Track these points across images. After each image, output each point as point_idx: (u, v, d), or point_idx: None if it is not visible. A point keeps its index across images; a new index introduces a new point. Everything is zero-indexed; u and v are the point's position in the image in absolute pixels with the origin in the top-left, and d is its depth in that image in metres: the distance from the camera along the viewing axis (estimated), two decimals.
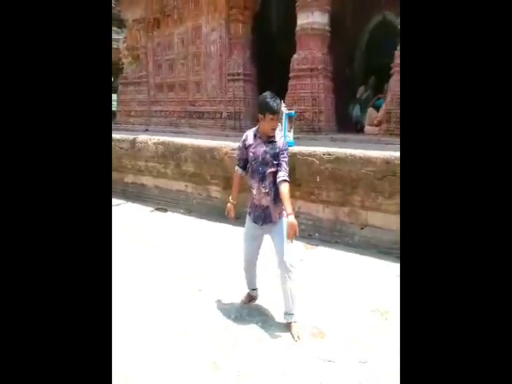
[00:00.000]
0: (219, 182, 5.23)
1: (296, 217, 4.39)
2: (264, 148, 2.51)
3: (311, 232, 4.43)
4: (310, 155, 4.26)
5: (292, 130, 4.75)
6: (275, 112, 2.44)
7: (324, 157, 4.18)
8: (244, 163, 2.64)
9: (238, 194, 2.79)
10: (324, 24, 5.29)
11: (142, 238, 4.43)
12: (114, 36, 12.83)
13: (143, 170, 6.20)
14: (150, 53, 7.53)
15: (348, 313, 2.81)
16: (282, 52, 6.10)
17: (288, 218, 2.35)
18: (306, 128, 5.38)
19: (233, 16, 6.11)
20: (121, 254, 3.78)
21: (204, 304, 2.93)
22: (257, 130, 2.58)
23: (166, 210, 5.63)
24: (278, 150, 2.50)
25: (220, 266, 3.62)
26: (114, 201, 6.18)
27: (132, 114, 7.92)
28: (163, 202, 5.93)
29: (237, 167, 2.70)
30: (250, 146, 2.56)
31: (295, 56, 5.47)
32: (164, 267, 3.60)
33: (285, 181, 2.45)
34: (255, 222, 2.61)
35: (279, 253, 2.53)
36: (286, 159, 2.51)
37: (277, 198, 2.51)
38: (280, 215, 2.58)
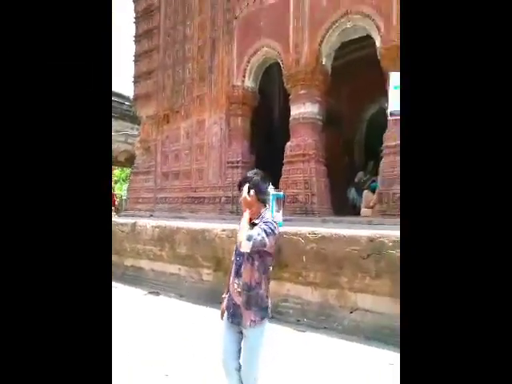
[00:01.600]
0: (210, 264, 5.18)
1: (284, 301, 4.34)
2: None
3: (299, 317, 4.21)
4: (295, 234, 4.24)
5: (281, 212, 4.80)
6: (238, 188, 2.28)
7: (309, 236, 4.15)
8: None
9: None
10: (315, 113, 5.64)
11: (124, 321, 4.30)
12: (134, 132, 13.98)
13: (141, 253, 6.25)
14: (159, 144, 8.09)
15: None
16: (279, 141, 6.46)
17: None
18: (299, 210, 5.43)
19: (232, 111, 6.62)
20: None
21: None
22: None
23: (158, 294, 5.53)
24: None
25: (192, 352, 3.41)
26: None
27: (140, 200, 8.25)
28: (157, 285, 5.85)
29: None
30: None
31: (288, 143, 5.76)
32: (132, 350, 3.43)
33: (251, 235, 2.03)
34: (227, 317, 2.20)
35: (243, 370, 2.15)
36: (262, 226, 2.05)
37: (250, 303, 2.11)
38: (251, 323, 2.10)
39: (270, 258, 2.18)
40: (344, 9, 5.14)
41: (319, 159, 5.58)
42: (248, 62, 6.41)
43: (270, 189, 4.79)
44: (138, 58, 9.22)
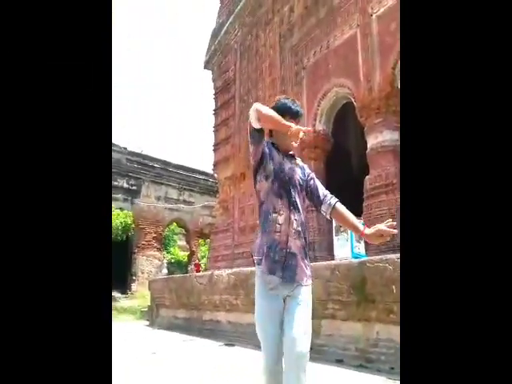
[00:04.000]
0: None
1: (374, 346, 3.62)
2: (289, 164, 1.78)
3: (394, 364, 3.42)
4: (380, 261, 3.65)
5: (362, 242, 4.26)
6: (296, 115, 1.79)
7: (397, 260, 3.53)
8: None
9: None
10: (394, 140, 5.18)
11: (189, 371, 3.89)
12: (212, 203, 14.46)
13: (218, 304, 5.94)
14: (236, 202, 8.16)
15: None
16: (358, 184, 6.03)
17: (365, 231, 1.69)
18: (385, 248, 4.77)
19: (304, 155, 6.47)
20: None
21: None
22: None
23: (233, 345, 5.06)
24: (305, 172, 1.86)
25: None
26: (184, 337, 5.91)
27: (219, 258, 8.16)
28: (234, 337, 5.41)
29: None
30: (271, 153, 1.77)
31: (367, 177, 5.33)
32: None
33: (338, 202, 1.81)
34: (272, 273, 1.63)
35: (293, 330, 1.56)
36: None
37: (306, 251, 1.70)
38: (307, 280, 1.67)
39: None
40: None
41: None
42: (318, 105, 6.39)
43: None
44: (216, 127, 9.87)
